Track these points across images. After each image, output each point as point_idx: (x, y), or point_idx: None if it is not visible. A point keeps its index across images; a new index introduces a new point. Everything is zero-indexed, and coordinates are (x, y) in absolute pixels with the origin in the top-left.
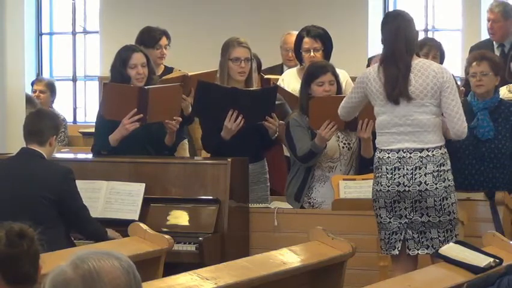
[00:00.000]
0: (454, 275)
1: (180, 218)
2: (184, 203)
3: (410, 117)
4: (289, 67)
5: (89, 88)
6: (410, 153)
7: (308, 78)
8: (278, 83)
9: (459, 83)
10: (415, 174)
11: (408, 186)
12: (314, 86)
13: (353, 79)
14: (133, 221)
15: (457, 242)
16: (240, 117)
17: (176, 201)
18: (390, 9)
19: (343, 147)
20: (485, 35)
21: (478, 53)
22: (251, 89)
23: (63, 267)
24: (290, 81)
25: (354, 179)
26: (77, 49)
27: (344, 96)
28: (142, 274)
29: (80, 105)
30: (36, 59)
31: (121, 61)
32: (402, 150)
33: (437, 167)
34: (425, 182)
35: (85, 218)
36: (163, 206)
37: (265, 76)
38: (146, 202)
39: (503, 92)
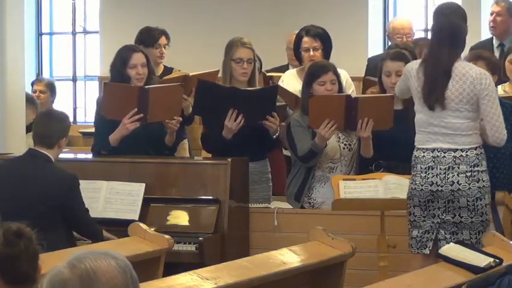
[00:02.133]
0: (454, 275)
1: (180, 218)
2: (184, 203)
3: (444, 120)
4: (295, 67)
5: (89, 88)
6: (444, 153)
7: (310, 78)
8: (278, 83)
9: None
10: (448, 174)
11: (441, 186)
12: (316, 85)
13: (353, 79)
14: (133, 221)
15: (457, 242)
16: (240, 117)
17: (176, 201)
18: (390, 9)
19: (344, 148)
20: (485, 35)
21: (475, 52)
22: (251, 88)
23: (60, 267)
24: (290, 81)
25: (354, 179)
26: (77, 49)
27: (343, 96)
28: (142, 274)
29: (80, 105)
30: (36, 59)
31: (121, 61)
32: (437, 150)
33: (471, 167)
34: (457, 182)
35: (86, 220)
36: (163, 206)
37: (268, 74)
38: (146, 202)
39: (499, 92)
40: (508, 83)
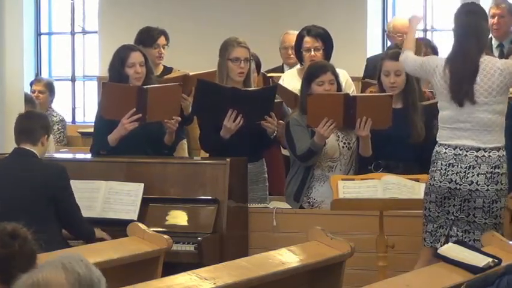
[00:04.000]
0: (452, 275)
1: (179, 218)
2: (183, 203)
3: (472, 115)
4: (290, 66)
5: (88, 88)
6: (466, 152)
7: (308, 77)
8: (278, 82)
9: None
10: (468, 173)
11: (460, 185)
12: (314, 85)
13: (353, 79)
14: (131, 221)
15: (456, 242)
16: (239, 117)
17: (175, 201)
18: (389, 9)
19: (343, 147)
20: None
21: None
22: (251, 88)
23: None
24: (290, 81)
25: (353, 179)
26: (76, 49)
27: (342, 94)
28: (141, 274)
29: (79, 105)
30: (35, 59)
31: (119, 60)
32: (459, 148)
33: (491, 168)
34: (476, 182)
35: (77, 217)
36: (161, 206)
37: (268, 74)
38: (145, 202)
39: None
40: None
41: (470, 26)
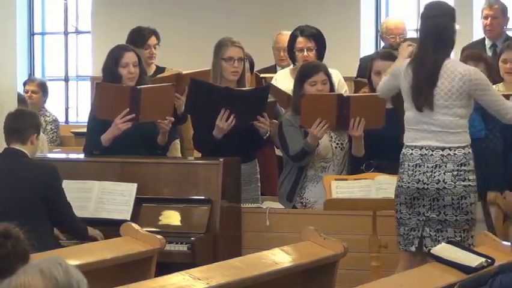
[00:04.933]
0: (445, 275)
1: (172, 218)
2: (176, 203)
3: (433, 117)
4: (282, 67)
5: (81, 88)
6: (432, 151)
7: (301, 78)
8: (271, 82)
9: None
10: (434, 172)
11: (427, 184)
12: (307, 85)
13: (345, 79)
14: (125, 221)
15: (449, 242)
16: (231, 117)
17: (168, 201)
18: (383, 9)
19: (336, 148)
20: (477, 35)
21: (475, 52)
22: (244, 88)
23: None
24: (283, 81)
25: (346, 179)
26: (69, 49)
27: (335, 95)
28: (134, 274)
29: (72, 105)
30: (29, 59)
31: (113, 60)
32: (425, 148)
33: (458, 166)
34: (443, 181)
35: (69, 215)
36: (155, 206)
37: (261, 75)
38: (138, 202)
39: None
40: (501, 83)
41: (434, 28)
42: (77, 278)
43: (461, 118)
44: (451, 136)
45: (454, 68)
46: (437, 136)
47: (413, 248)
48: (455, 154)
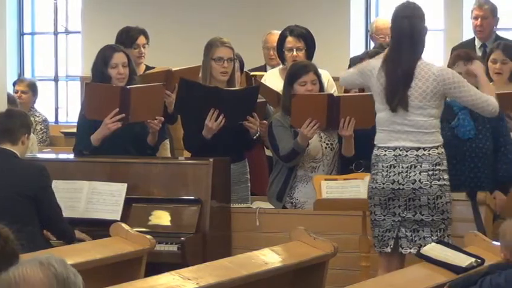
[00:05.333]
0: (435, 275)
1: (162, 218)
2: (166, 203)
3: (407, 118)
4: (272, 66)
5: (71, 88)
6: (407, 152)
7: (291, 78)
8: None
9: None
10: (410, 173)
11: (403, 184)
12: (297, 85)
13: (335, 79)
14: (114, 221)
15: (438, 242)
16: (221, 117)
17: (158, 202)
18: (372, 9)
19: (326, 148)
20: (467, 35)
21: (465, 52)
22: (233, 88)
23: None
24: (272, 81)
25: (336, 179)
26: (58, 49)
27: (326, 95)
28: (124, 274)
29: (61, 105)
30: (18, 59)
31: (102, 61)
32: (399, 148)
33: (433, 166)
34: (419, 180)
35: (58, 217)
36: (145, 206)
37: (251, 73)
38: (128, 202)
39: None
40: (491, 83)
41: (407, 30)
42: (72, 270)
43: (435, 118)
44: (425, 136)
45: (428, 68)
46: (411, 136)
47: (388, 249)
48: (429, 154)
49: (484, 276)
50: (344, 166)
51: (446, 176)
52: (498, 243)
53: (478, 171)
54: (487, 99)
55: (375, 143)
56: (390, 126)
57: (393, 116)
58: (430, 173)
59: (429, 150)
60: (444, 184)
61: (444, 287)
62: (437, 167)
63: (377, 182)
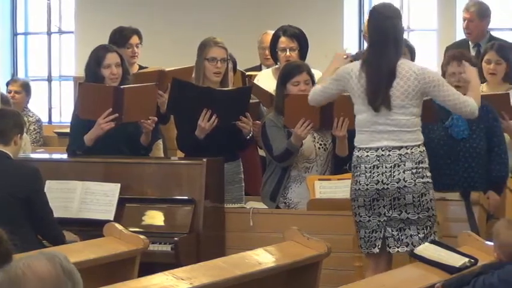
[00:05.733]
0: (429, 275)
1: (155, 218)
2: (160, 203)
3: (390, 117)
4: (267, 66)
5: (64, 88)
6: (389, 151)
7: (284, 78)
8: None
9: None
10: (394, 172)
11: (387, 184)
12: (290, 85)
13: None
14: (108, 221)
15: (432, 242)
16: (214, 117)
17: (152, 202)
18: (366, 9)
19: (319, 148)
20: (460, 35)
21: (459, 52)
22: (226, 88)
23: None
24: (265, 81)
25: (330, 179)
26: (52, 49)
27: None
28: (117, 274)
29: (55, 105)
30: (11, 59)
31: (95, 61)
32: (381, 149)
33: (416, 164)
34: (403, 179)
35: (50, 220)
36: (138, 206)
37: (247, 73)
38: (122, 202)
39: None
40: (485, 83)
41: (388, 31)
42: (73, 266)
43: (416, 117)
44: (408, 135)
45: (409, 67)
46: (393, 136)
47: (376, 250)
48: (412, 152)
49: (477, 276)
50: (338, 166)
51: (428, 174)
52: (491, 243)
53: (472, 171)
54: (465, 99)
55: (355, 144)
56: (372, 127)
57: (375, 116)
58: (414, 171)
59: (411, 149)
60: (428, 181)
61: (436, 285)
62: (420, 165)
63: (360, 184)
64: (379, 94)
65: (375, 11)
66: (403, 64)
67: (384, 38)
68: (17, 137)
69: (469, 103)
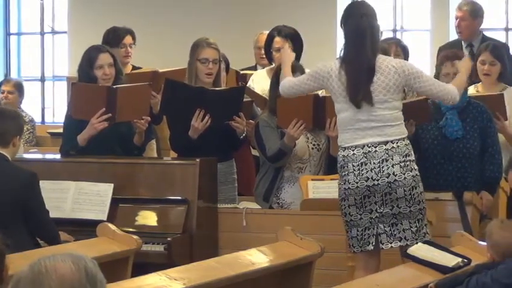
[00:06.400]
0: (422, 275)
1: (149, 218)
2: (153, 203)
3: (373, 113)
4: (263, 66)
5: (58, 88)
6: (376, 147)
7: (278, 78)
8: (248, 84)
9: None
10: (383, 167)
11: (377, 180)
12: None
13: None
14: (101, 221)
15: (425, 242)
16: (207, 117)
17: (145, 202)
18: None
19: (312, 148)
20: (453, 35)
21: (452, 52)
22: (219, 88)
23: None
24: (260, 81)
25: (323, 179)
26: (45, 49)
27: (311, 95)
28: (110, 274)
29: (48, 106)
30: (5, 59)
31: (88, 62)
32: (367, 145)
33: (403, 157)
34: (393, 173)
35: (46, 222)
36: (131, 207)
37: (242, 72)
38: (115, 202)
39: (471, 92)
40: (480, 83)
41: (364, 28)
42: (101, 274)
43: (399, 110)
44: (392, 129)
45: (387, 62)
46: (378, 131)
47: (370, 247)
48: (398, 146)
49: (470, 276)
50: (333, 166)
51: (416, 167)
52: (484, 243)
53: (465, 172)
54: (445, 87)
55: (340, 144)
56: (355, 124)
57: (358, 113)
58: (402, 164)
59: (397, 143)
60: (416, 174)
61: (430, 285)
62: (408, 158)
63: (349, 183)
64: (360, 90)
65: (349, 9)
66: (381, 59)
67: (361, 35)
68: (15, 138)
69: (449, 90)
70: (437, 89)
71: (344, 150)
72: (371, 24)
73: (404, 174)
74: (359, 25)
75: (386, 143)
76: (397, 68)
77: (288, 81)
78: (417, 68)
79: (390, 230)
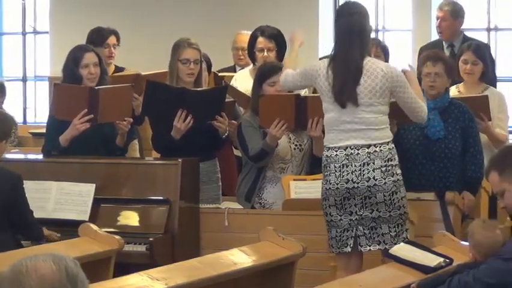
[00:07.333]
0: (404, 275)
1: (131, 218)
2: (135, 203)
3: (357, 115)
4: (241, 67)
5: (39, 88)
6: (358, 150)
7: (260, 78)
8: (231, 83)
9: None
10: (363, 170)
11: (357, 183)
12: (266, 86)
13: None
14: (83, 221)
15: (407, 242)
16: (189, 117)
17: (127, 202)
18: None
19: (294, 149)
20: (435, 36)
21: (434, 52)
22: (200, 88)
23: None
24: (243, 81)
25: (305, 180)
26: (27, 49)
27: (293, 95)
28: (92, 275)
29: (30, 106)
30: None
31: (73, 61)
32: (350, 147)
33: (385, 162)
34: (373, 178)
35: (29, 222)
36: (113, 207)
37: (220, 74)
38: (97, 202)
39: (453, 92)
40: (462, 83)
41: (354, 27)
42: (83, 274)
43: (384, 115)
44: (376, 133)
45: (376, 65)
46: (362, 134)
47: (348, 249)
48: (381, 150)
49: (452, 276)
50: (316, 166)
51: (398, 171)
52: (466, 243)
53: (447, 172)
54: (421, 105)
55: (324, 144)
56: (340, 125)
57: (343, 114)
58: (383, 169)
59: (380, 147)
60: (398, 179)
61: (412, 285)
62: (390, 163)
63: (330, 183)
64: (345, 90)
65: (340, 8)
66: (370, 62)
67: (350, 34)
68: (1, 143)
69: (423, 109)
70: (416, 104)
71: (327, 151)
72: (362, 23)
73: (384, 179)
74: (349, 24)
75: (368, 146)
76: (386, 72)
77: (285, 74)
78: (404, 78)
79: (370, 233)
